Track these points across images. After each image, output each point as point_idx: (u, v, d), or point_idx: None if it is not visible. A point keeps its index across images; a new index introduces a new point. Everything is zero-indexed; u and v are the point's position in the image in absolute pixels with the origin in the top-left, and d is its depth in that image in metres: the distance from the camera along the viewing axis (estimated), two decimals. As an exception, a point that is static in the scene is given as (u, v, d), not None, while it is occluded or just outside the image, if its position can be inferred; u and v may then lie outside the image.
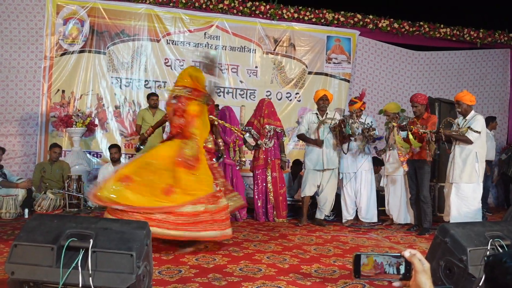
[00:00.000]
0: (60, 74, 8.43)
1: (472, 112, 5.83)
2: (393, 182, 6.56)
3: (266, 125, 6.87)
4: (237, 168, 7.01)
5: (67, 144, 8.28)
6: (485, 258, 1.28)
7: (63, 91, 8.45)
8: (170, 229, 4.15)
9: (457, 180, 5.73)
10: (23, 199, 6.65)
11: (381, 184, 6.78)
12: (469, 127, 5.64)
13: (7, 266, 2.40)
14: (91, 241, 2.39)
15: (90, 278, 2.32)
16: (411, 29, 9.90)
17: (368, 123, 6.44)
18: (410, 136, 5.87)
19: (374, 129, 6.37)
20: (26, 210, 6.53)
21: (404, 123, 6.03)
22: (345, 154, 6.63)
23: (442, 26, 10.02)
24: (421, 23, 9.94)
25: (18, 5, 8.33)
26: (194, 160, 4.48)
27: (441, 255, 2.83)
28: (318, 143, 6.51)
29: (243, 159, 7.26)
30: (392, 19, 9.84)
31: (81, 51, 8.55)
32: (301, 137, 6.83)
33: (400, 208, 6.52)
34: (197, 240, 4.46)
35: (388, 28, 9.83)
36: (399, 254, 1.31)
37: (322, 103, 6.59)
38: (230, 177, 6.94)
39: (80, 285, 2.32)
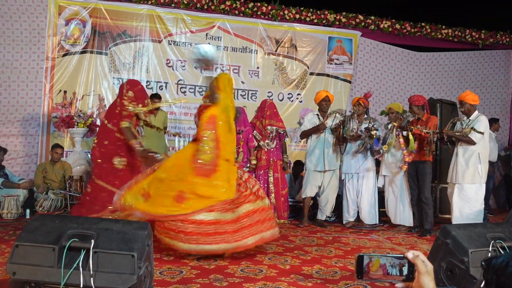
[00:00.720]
0: (62, 74, 8.44)
1: (476, 113, 5.82)
2: (391, 183, 6.55)
3: (268, 126, 6.87)
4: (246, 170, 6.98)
5: (68, 145, 8.29)
6: (482, 263, 1.27)
7: (65, 92, 8.46)
8: (183, 241, 4.06)
9: (460, 180, 5.72)
10: (25, 199, 6.66)
11: (378, 185, 6.75)
12: (472, 128, 5.62)
13: (9, 266, 2.40)
14: (93, 241, 2.39)
15: (91, 279, 2.32)
16: (413, 30, 9.90)
17: (371, 124, 6.43)
18: (410, 137, 5.87)
19: (376, 129, 6.34)
20: (28, 211, 6.54)
21: (404, 123, 6.03)
22: (342, 154, 6.63)
23: (444, 27, 10.02)
24: (423, 24, 9.94)
25: (20, 6, 8.34)
26: (211, 165, 4.34)
27: (443, 257, 2.82)
28: (321, 127, 6.47)
29: (254, 162, 6.98)
30: (394, 20, 9.84)
31: (83, 52, 8.56)
32: (304, 133, 6.75)
33: (397, 209, 6.50)
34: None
35: (390, 29, 9.83)
36: (402, 256, 1.31)
37: (325, 104, 6.59)
38: None
39: (81, 286, 2.32)
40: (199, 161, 4.34)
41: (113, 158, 4.92)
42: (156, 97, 7.98)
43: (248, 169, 7.01)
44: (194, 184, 4.23)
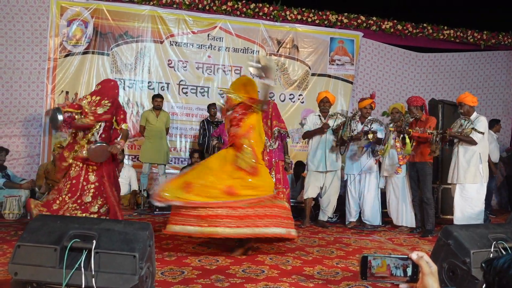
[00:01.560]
0: (64, 75, 8.46)
1: (475, 114, 5.85)
2: (393, 184, 6.54)
3: (276, 127, 6.85)
4: None
5: (70, 145, 8.29)
6: (483, 264, 1.27)
7: (67, 92, 8.48)
8: (232, 227, 4.16)
9: (461, 180, 5.74)
10: (27, 200, 6.66)
11: (380, 186, 6.75)
12: (473, 128, 5.65)
13: (11, 266, 2.40)
14: (94, 242, 2.39)
15: (93, 279, 2.32)
16: (414, 31, 9.90)
17: (370, 127, 6.42)
18: (407, 140, 5.87)
19: (374, 132, 6.33)
20: (30, 211, 6.54)
21: (403, 126, 6.03)
22: (342, 154, 6.63)
23: (445, 28, 10.02)
24: (425, 24, 9.93)
25: (22, 7, 8.36)
26: (252, 170, 4.44)
27: (444, 257, 2.82)
28: (325, 127, 6.47)
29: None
30: (395, 21, 9.84)
31: (84, 53, 8.58)
32: (306, 134, 6.74)
33: (398, 210, 6.50)
34: (251, 239, 4.42)
35: (392, 30, 9.83)
36: (406, 256, 1.31)
37: (323, 105, 6.59)
38: None
39: (83, 286, 2.32)
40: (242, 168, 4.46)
41: None
42: (158, 97, 8.01)
43: None
44: (243, 178, 4.37)
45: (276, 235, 4.34)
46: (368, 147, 6.42)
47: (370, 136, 6.22)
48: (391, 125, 6.20)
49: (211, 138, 7.83)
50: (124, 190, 7.66)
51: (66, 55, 8.50)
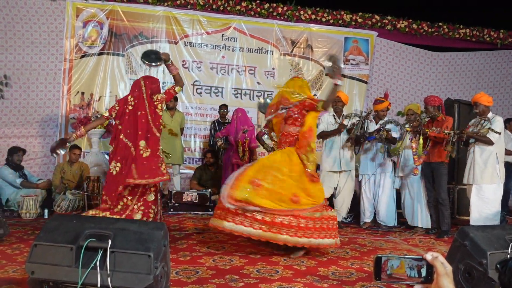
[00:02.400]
0: (79, 76, 8.54)
1: (491, 113, 5.80)
2: (408, 185, 6.50)
3: None
4: None
5: (86, 146, 8.38)
6: (497, 265, 1.25)
7: (83, 93, 8.55)
8: (292, 236, 4.27)
9: (478, 181, 5.69)
10: (43, 199, 6.73)
11: (395, 186, 6.71)
12: (489, 128, 5.60)
13: (27, 265, 2.43)
14: (110, 241, 2.41)
15: (109, 278, 2.34)
16: (430, 30, 9.81)
17: (385, 126, 6.39)
18: (420, 141, 5.83)
19: (388, 130, 6.30)
20: (46, 211, 6.61)
21: (419, 127, 5.98)
22: (356, 154, 6.60)
23: (461, 26, 9.92)
24: (440, 23, 9.85)
25: (39, 9, 8.46)
26: (313, 175, 4.62)
27: (461, 259, 2.79)
28: (341, 127, 6.44)
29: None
30: (410, 20, 9.77)
31: (100, 54, 8.65)
32: (322, 134, 6.70)
33: (413, 211, 6.45)
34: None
35: (407, 29, 9.76)
36: (420, 257, 1.30)
37: (335, 104, 6.54)
38: None
39: (99, 285, 2.34)
40: (307, 169, 4.57)
41: None
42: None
43: None
44: (306, 186, 4.48)
45: (328, 246, 4.51)
46: (371, 139, 6.38)
47: (384, 134, 6.20)
48: (407, 125, 6.15)
49: (215, 139, 7.85)
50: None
51: (82, 56, 8.58)
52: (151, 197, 4.66)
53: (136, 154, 4.58)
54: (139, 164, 4.56)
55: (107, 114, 4.88)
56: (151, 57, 4.76)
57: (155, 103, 4.76)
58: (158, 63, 4.78)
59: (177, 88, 4.91)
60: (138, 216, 4.51)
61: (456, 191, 7.09)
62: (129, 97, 4.80)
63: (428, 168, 6.12)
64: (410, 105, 6.66)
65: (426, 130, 5.85)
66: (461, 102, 7.50)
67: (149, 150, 4.62)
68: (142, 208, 4.59)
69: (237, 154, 7.03)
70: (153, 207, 4.64)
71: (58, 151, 4.76)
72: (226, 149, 7.52)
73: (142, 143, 4.61)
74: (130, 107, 4.72)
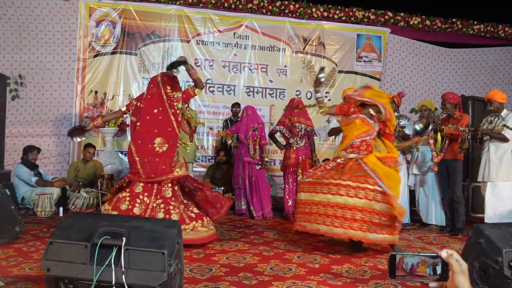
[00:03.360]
0: (93, 75, 8.60)
1: (505, 110, 5.74)
2: (423, 182, 6.46)
3: (297, 123, 6.85)
4: (257, 168, 7.04)
5: (99, 144, 8.44)
6: (510, 263, 1.24)
7: (96, 92, 8.62)
8: (363, 230, 4.20)
9: (493, 178, 5.64)
10: (58, 197, 6.79)
11: (409, 183, 6.66)
12: (505, 125, 5.54)
13: (43, 263, 2.45)
14: (124, 239, 2.43)
15: (123, 276, 2.36)
16: (443, 26, 9.73)
17: (399, 122, 6.35)
18: (438, 138, 5.78)
19: (403, 127, 6.27)
20: (61, 209, 6.67)
21: (436, 123, 5.94)
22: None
23: (475, 22, 9.82)
24: (454, 19, 9.76)
25: (52, 9, 8.53)
26: None
27: (476, 256, 2.77)
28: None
29: (266, 159, 7.24)
30: (423, 16, 9.69)
31: (113, 53, 8.71)
32: (332, 131, 6.69)
33: (428, 208, 6.41)
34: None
35: (420, 26, 9.69)
36: (435, 255, 1.29)
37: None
38: (249, 175, 6.99)
39: (113, 282, 2.35)
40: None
41: None
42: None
43: (260, 166, 7.06)
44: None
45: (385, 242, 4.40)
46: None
47: (399, 130, 6.17)
48: (420, 124, 6.11)
49: (224, 135, 7.87)
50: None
51: (95, 55, 8.64)
52: (168, 193, 4.66)
53: (151, 151, 4.58)
54: (150, 161, 4.58)
55: (124, 109, 4.92)
56: (174, 64, 4.73)
57: (172, 102, 4.77)
58: (183, 67, 4.72)
59: (196, 90, 4.93)
60: (160, 215, 4.49)
61: (470, 188, 7.04)
62: (145, 93, 4.83)
63: (443, 165, 6.08)
64: (424, 102, 6.61)
65: (443, 127, 5.81)
66: (475, 99, 7.43)
67: (166, 145, 4.63)
68: (162, 206, 4.58)
69: (249, 152, 7.04)
70: (172, 203, 4.62)
71: (74, 138, 4.84)
72: (237, 147, 7.54)
73: (157, 140, 4.62)
74: (144, 104, 4.74)
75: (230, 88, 9.16)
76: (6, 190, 4.85)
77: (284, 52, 9.31)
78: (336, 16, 9.43)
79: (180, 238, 2.62)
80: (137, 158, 4.64)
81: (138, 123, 4.73)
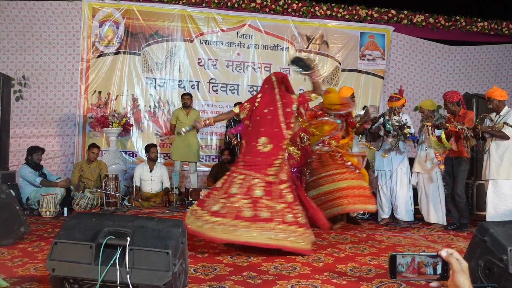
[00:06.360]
0: (96, 75, 8.63)
1: (506, 108, 5.70)
2: (427, 181, 6.44)
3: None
4: None
5: (104, 144, 8.46)
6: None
7: (100, 92, 8.64)
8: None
9: (494, 176, 5.60)
10: (62, 198, 6.81)
11: (412, 182, 6.64)
12: (505, 123, 5.51)
13: (48, 263, 2.46)
14: (128, 239, 2.43)
15: (128, 275, 2.36)
16: (447, 24, 9.71)
17: (403, 120, 6.34)
18: (443, 136, 5.76)
19: (409, 127, 6.26)
20: (65, 209, 6.68)
21: (439, 121, 5.93)
22: (377, 151, 6.55)
23: (479, 20, 9.79)
24: (457, 17, 9.74)
25: (56, 10, 8.56)
26: None
27: (480, 255, 2.76)
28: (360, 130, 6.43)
29: None
30: (427, 14, 9.68)
31: (116, 53, 8.73)
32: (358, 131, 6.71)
33: (429, 207, 6.40)
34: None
35: (423, 23, 9.67)
36: (435, 254, 1.29)
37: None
38: None
39: (118, 282, 2.36)
40: None
41: None
42: (186, 95, 8.09)
43: None
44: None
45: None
46: (414, 139, 6.40)
47: (406, 130, 6.16)
48: (423, 122, 6.11)
49: (228, 136, 7.86)
50: (156, 188, 7.77)
51: (99, 56, 8.67)
52: (290, 199, 4.40)
53: (253, 149, 4.52)
54: (252, 159, 4.49)
55: (237, 110, 4.82)
56: (300, 64, 4.61)
57: (287, 102, 4.67)
58: (306, 72, 4.56)
59: (313, 95, 4.73)
60: (289, 217, 4.23)
61: (475, 186, 7.02)
62: (259, 95, 4.78)
63: (449, 163, 6.06)
64: (423, 103, 6.57)
65: (447, 125, 5.80)
66: (479, 97, 7.41)
67: (269, 145, 4.50)
68: (287, 210, 4.30)
69: None
70: (296, 207, 4.38)
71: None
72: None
73: (262, 139, 4.52)
74: (256, 104, 4.68)
75: (234, 87, 9.16)
76: (11, 190, 4.86)
77: (288, 51, 9.31)
78: (339, 15, 9.42)
79: (184, 238, 2.62)
80: (240, 156, 4.61)
81: (250, 123, 4.67)
